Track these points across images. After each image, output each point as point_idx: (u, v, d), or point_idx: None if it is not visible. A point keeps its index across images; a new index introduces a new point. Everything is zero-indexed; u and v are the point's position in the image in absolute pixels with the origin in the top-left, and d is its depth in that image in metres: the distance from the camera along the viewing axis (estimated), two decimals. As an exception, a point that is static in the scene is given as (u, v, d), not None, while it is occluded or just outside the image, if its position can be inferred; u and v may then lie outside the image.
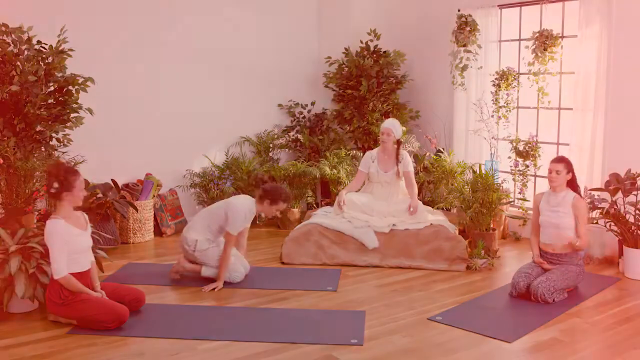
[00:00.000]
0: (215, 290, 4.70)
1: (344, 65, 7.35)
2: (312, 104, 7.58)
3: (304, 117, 7.51)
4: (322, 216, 5.76)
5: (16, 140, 5.16)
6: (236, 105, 7.18)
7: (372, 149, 6.18)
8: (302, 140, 7.27)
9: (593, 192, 5.44)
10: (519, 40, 6.51)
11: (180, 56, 6.71)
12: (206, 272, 4.87)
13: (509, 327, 3.99)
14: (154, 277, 4.98)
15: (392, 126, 5.75)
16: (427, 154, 6.92)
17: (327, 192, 7.19)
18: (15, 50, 5.13)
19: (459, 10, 6.71)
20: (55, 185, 3.92)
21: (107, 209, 5.83)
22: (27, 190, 5.12)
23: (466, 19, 6.44)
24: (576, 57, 5.79)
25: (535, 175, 6.40)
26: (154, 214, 6.47)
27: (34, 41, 5.23)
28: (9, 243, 4.17)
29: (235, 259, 4.88)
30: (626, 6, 5.44)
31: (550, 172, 4.68)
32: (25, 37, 5.21)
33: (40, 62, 5.19)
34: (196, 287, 4.77)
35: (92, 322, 3.89)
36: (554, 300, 4.42)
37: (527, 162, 6.19)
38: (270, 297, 4.56)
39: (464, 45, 6.50)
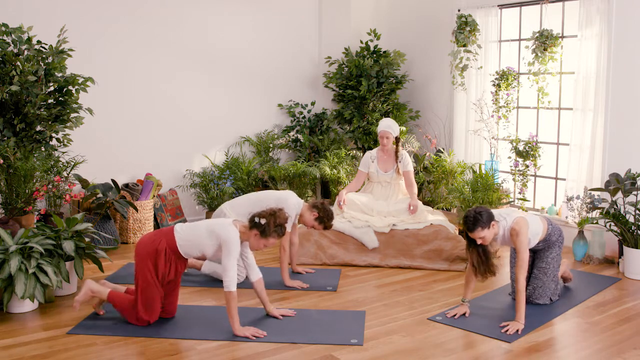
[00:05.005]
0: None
1: (344, 65, 7.36)
2: (312, 104, 7.59)
3: (304, 117, 7.51)
4: (322, 216, 5.75)
5: (16, 140, 5.16)
6: (236, 105, 7.18)
7: (372, 149, 6.18)
8: (302, 140, 7.27)
9: (593, 192, 5.45)
10: (519, 40, 6.52)
11: (181, 56, 6.71)
12: (207, 267, 4.89)
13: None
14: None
15: (388, 128, 5.73)
16: (427, 154, 6.92)
17: (327, 192, 7.19)
18: (15, 50, 5.13)
19: (459, 10, 6.72)
20: (263, 221, 3.83)
21: (107, 209, 5.83)
22: (27, 190, 5.12)
23: (466, 19, 6.44)
24: (576, 57, 5.80)
25: (535, 175, 6.40)
26: (154, 214, 6.47)
27: (34, 41, 5.23)
28: (9, 243, 4.17)
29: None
30: (626, 6, 5.44)
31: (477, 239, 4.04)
32: (25, 37, 5.21)
33: (40, 62, 5.20)
34: (196, 287, 4.77)
35: (130, 305, 3.91)
36: (551, 300, 4.41)
37: (527, 162, 6.19)
38: (270, 297, 4.55)
39: (464, 45, 6.50)
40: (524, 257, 3.99)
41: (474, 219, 3.93)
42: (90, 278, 4.19)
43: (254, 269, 4.07)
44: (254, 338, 3.77)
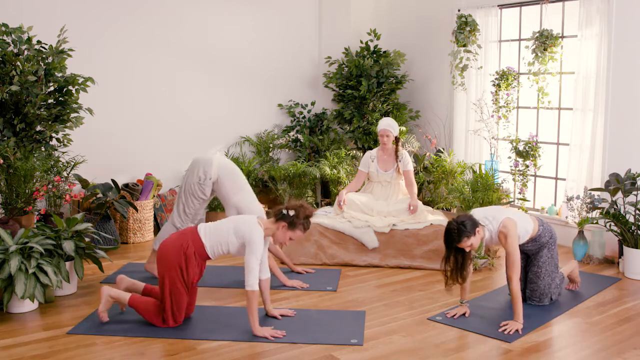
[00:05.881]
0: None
1: (344, 65, 7.36)
2: (312, 104, 7.59)
3: (304, 117, 7.51)
4: (322, 216, 5.75)
5: (16, 140, 5.16)
6: (236, 105, 7.18)
7: (372, 149, 6.18)
8: (302, 140, 7.28)
9: (593, 192, 5.45)
10: (519, 40, 6.52)
11: (181, 56, 6.72)
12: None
13: (509, 327, 3.99)
14: (153, 277, 4.98)
15: (389, 126, 5.74)
16: (427, 154, 6.92)
17: (327, 192, 7.19)
18: (15, 50, 5.13)
19: (459, 10, 6.72)
20: (292, 212, 3.83)
21: (107, 209, 5.83)
22: (27, 190, 5.12)
23: (466, 19, 6.44)
24: (576, 57, 5.80)
25: (535, 175, 6.40)
26: (154, 214, 6.47)
27: (34, 41, 5.23)
28: (9, 243, 4.17)
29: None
30: (626, 6, 5.44)
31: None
32: (25, 37, 5.21)
33: (40, 62, 5.20)
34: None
35: (154, 309, 3.90)
36: (551, 300, 4.40)
37: (527, 162, 6.19)
38: (270, 297, 4.55)
39: (464, 45, 6.50)
40: (515, 258, 3.98)
41: (458, 231, 3.87)
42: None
43: (264, 268, 4.06)
44: (273, 339, 3.76)
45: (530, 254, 4.43)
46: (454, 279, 4.07)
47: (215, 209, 6.51)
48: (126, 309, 4.19)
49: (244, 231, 3.82)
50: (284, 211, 3.86)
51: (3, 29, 5.11)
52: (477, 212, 4.11)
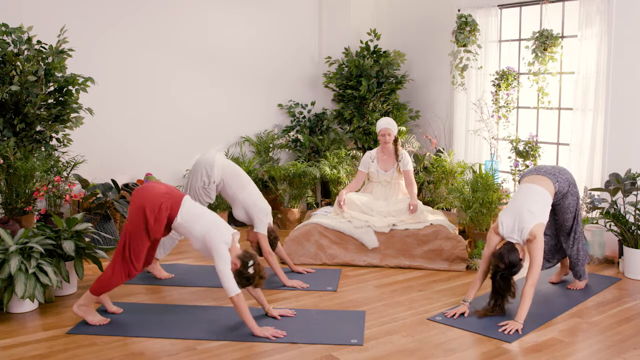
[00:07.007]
0: None
1: (344, 65, 7.36)
2: (312, 104, 7.59)
3: (304, 117, 7.51)
4: (322, 216, 5.75)
5: (16, 140, 5.16)
6: (236, 105, 7.18)
7: (372, 149, 6.18)
8: (302, 140, 7.27)
9: (593, 192, 5.45)
10: (519, 40, 6.52)
11: (181, 57, 6.72)
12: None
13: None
14: (153, 277, 4.98)
15: (389, 125, 5.74)
16: (427, 154, 6.92)
17: (327, 192, 7.19)
18: (15, 50, 5.13)
19: (459, 10, 6.72)
20: (251, 271, 3.81)
21: (107, 209, 5.83)
22: (27, 190, 5.12)
23: (466, 19, 6.45)
24: (576, 57, 5.80)
25: (535, 175, 6.40)
26: (154, 214, 6.46)
27: (34, 41, 5.23)
28: (9, 243, 4.17)
29: None
30: (626, 6, 5.45)
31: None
32: (25, 37, 5.21)
33: (40, 62, 5.20)
34: (196, 287, 4.77)
35: (110, 270, 3.90)
36: (578, 249, 4.63)
37: (527, 162, 6.19)
38: (270, 297, 4.56)
39: (464, 45, 6.50)
40: (537, 264, 4.02)
41: (512, 273, 4.04)
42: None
43: None
44: (274, 338, 3.76)
45: (557, 205, 4.53)
46: (507, 298, 4.11)
47: (215, 209, 6.50)
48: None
49: (211, 240, 3.80)
50: (250, 263, 3.82)
51: (3, 29, 5.11)
52: (505, 223, 4.15)
